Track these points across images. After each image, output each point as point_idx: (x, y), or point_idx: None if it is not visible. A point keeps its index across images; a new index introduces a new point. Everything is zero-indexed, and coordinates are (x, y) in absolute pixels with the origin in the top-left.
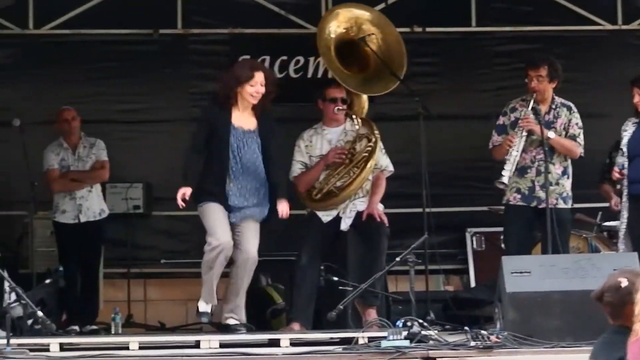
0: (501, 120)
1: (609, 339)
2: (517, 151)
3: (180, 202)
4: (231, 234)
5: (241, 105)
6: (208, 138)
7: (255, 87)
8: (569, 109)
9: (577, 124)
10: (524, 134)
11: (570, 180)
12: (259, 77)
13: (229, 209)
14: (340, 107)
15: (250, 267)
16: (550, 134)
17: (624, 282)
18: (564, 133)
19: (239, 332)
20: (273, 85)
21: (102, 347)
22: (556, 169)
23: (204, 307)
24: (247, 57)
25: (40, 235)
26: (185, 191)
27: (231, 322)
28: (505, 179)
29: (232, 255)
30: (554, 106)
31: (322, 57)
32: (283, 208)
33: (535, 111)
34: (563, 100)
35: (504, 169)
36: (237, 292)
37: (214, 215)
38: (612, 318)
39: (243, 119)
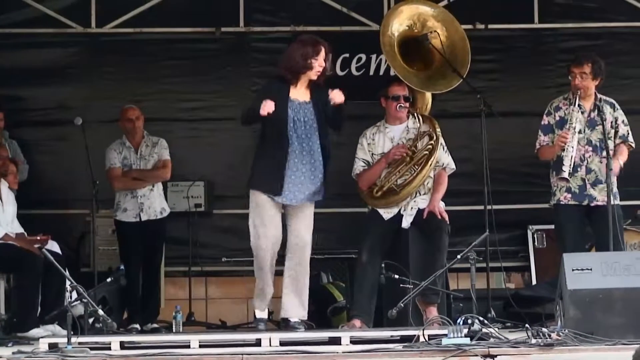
0: (546, 120)
1: None
2: (573, 147)
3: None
4: (281, 226)
5: (302, 80)
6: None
7: (319, 61)
8: (612, 106)
9: (623, 121)
10: (577, 129)
11: (616, 177)
12: (322, 52)
13: (283, 192)
14: (403, 105)
15: (305, 253)
16: (614, 166)
17: None
18: (611, 131)
19: (297, 330)
20: (329, 61)
21: (163, 345)
22: (604, 167)
23: (260, 313)
24: None
25: (102, 234)
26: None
27: (293, 319)
28: (565, 174)
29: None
30: (597, 103)
31: (385, 55)
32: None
33: (599, 110)
34: (605, 97)
35: (562, 164)
36: (296, 284)
37: (265, 212)
38: None
39: (299, 92)
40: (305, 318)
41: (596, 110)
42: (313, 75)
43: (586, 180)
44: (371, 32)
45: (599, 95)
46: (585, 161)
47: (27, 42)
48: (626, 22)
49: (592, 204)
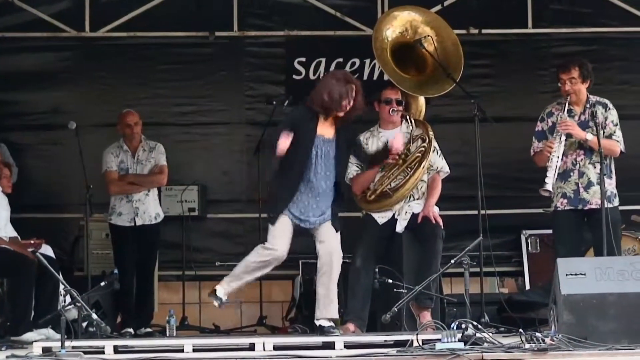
0: (539, 126)
1: None
2: (558, 157)
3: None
4: (289, 247)
5: (328, 117)
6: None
7: (348, 102)
8: (605, 106)
9: (612, 121)
10: (563, 138)
11: (613, 179)
12: (352, 92)
13: (301, 219)
14: (396, 109)
15: (337, 260)
16: (588, 136)
17: None
18: (602, 132)
19: (332, 334)
20: (360, 100)
21: (157, 349)
22: (596, 170)
23: (222, 292)
24: (302, 59)
25: (96, 238)
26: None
27: (325, 324)
28: (548, 186)
29: (316, 252)
30: (588, 105)
31: (377, 60)
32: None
33: (593, 114)
34: (598, 99)
35: (546, 176)
36: (328, 289)
37: (281, 227)
38: None
39: (324, 128)
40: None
41: (587, 113)
42: (341, 113)
43: (579, 184)
44: (365, 37)
45: (591, 98)
46: (578, 165)
47: (21, 46)
48: (620, 27)
49: (586, 208)
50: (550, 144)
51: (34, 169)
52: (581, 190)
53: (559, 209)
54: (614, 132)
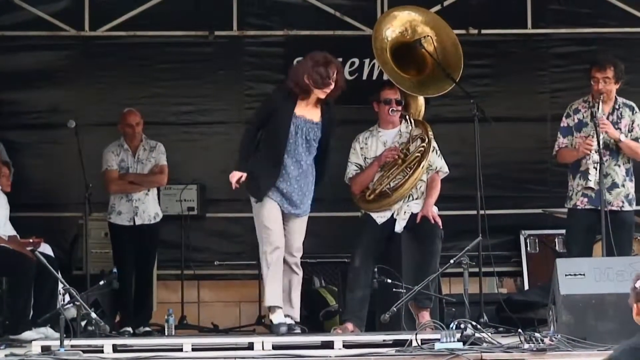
0: (565, 122)
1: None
2: (597, 153)
3: (235, 185)
4: (283, 231)
5: (311, 98)
6: (266, 123)
7: (328, 82)
8: (632, 109)
9: (639, 124)
10: (602, 137)
11: (634, 182)
12: (333, 71)
13: (281, 201)
14: (395, 109)
15: (298, 261)
16: (622, 137)
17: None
18: (629, 134)
19: (293, 333)
20: (341, 80)
21: (156, 348)
22: (620, 171)
23: (279, 318)
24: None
25: (95, 237)
26: (242, 176)
27: (287, 320)
28: (592, 183)
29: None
30: (617, 106)
31: (377, 60)
32: None
33: (592, 115)
34: (625, 101)
35: (589, 173)
36: (289, 291)
37: (271, 216)
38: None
39: (307, 110)
40: (298, 320)
41: (615, 114)
42: (321, 94)
43: (601, 185)
44: (364, 37)
45: (618, 99)
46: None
47: (20, 45)
48: (619, 28)
49: (606, 209)
50: (590, 142)
51: (33, 167)
52: (604, 190)
53: (578, 207)
54: None
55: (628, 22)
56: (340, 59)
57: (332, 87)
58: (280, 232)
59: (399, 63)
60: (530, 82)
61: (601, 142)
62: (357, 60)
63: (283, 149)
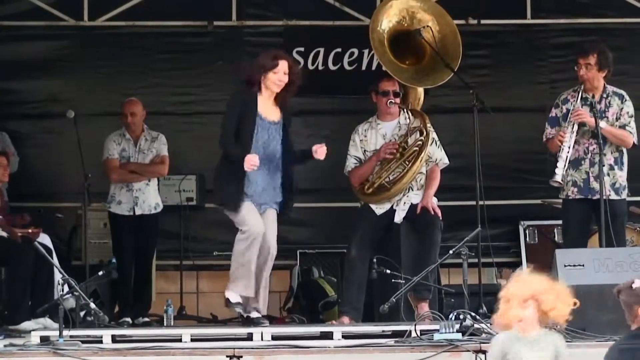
0: (553, 112)
1: (630, 344)
2: (569, 147)
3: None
4: (261, 220)
5: (265, 94)
6: (236, 127)
7: (278, 75)
8: (621, 97)
9: (627, 112)
10: (575, 127)
11: (624, 171)
12: (283, 65)
13: (252, 199)
14: (393, 100)
15: (270, 256)
16: (602, 124)
17: (636, 283)
18: (616, 123)
19: (262, 325)
20: (296, 76)
21: (155, 339)
22: (608, 160)
23: (235, 297)
24: (301, 49)
25: (94, 227)
26: (253, 157)
27: (254, 315)
28: (558, 177)
29: None
30: (605, 95)
31: (374, 51)
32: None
33: (591, 104)
34: (615, 89)
35: (556, 166)
36: (259, 285)
37: (245, 210)
38: (629, 319)
39: (268, 109)
40: (265, 313)
41: (603, 102)
42: (275, 88)
43: (590, 174)
44: (363, 27)
45: (608, 87)
46: (589, 154)
47: (19, 35)
48: (618, 18)
49: (595, 198)
50: (562, 133)
51: (32, 157)
52: (591, 179)
53: (569, 197)
54: (628, 123)
55: (628, 12)
56: (340, 49)
57: (283, 78)
58: (260, 224)
59: (396, 52)
60: (529, 72)
61: (577, 131)
62: (356, 51)
63: (249, 151)
